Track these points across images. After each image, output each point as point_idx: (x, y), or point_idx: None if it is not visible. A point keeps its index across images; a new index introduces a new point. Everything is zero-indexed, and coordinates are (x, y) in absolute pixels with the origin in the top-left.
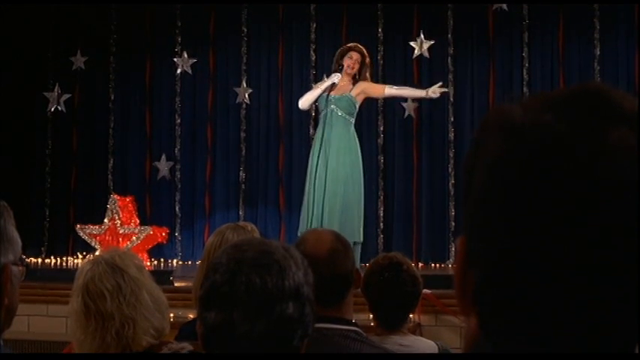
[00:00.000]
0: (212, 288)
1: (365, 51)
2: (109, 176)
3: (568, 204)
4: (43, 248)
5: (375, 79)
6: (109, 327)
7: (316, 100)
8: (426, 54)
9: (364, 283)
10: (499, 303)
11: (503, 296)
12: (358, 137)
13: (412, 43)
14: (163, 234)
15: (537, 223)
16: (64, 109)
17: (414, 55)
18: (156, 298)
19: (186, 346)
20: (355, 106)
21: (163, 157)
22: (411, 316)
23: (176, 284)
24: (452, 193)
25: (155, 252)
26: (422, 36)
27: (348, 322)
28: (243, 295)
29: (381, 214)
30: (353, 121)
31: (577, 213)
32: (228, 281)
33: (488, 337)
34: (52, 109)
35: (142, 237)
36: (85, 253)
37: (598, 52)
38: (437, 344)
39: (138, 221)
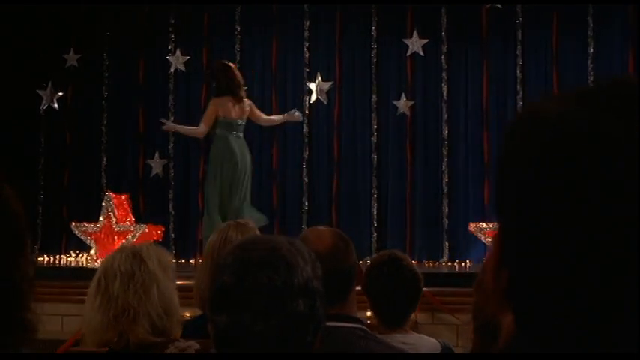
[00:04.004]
0: (220, 291)
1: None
2: (102, 174)
3: (606, 196)
4: (36, 246)
5: (370, 77)
6: (110, 307)
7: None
8: (420, 52)
9: (365, 280)
10: (534, 299)
11: (538, 293)
12: (352, 135)
13: (406, 41)
14: (159, 232)
15: (575, 218)
16: (57, 107)
17: (408, 53)
18: (167, 298)
19: (193, 345)
20: None
21: (157, 154)
22: None
23: None
24: (445, 190)
25: None
26: (416, 34)
27: (354, 320)
28: (252, 296)
29: (375, 212)
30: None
31: (615, 206)
32: (235, 283)
33: (525, 333)
34: (45, 107)
35: (137, 235)
36: (78, 251)
37: (592, 51)
38: (439, 342)
39: (133, 219)
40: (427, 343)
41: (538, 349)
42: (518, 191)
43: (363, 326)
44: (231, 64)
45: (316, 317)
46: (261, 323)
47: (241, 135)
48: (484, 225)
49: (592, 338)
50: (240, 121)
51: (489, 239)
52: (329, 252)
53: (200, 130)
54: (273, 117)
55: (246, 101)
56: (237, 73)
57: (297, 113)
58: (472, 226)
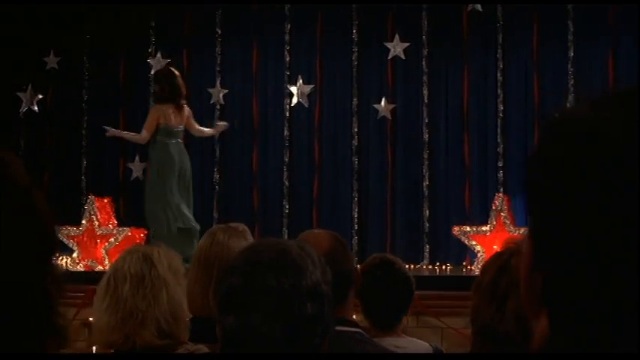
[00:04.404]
0: (229, 292)
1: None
2: (83, 177)
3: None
4: None
5: (350, 81)
6: (118, 310)
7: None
8: (402, 55)
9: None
10: (570, 302)
11: (575, 295)
12: (333, 138)
13: (387, 45)
14: (142, 235)
15: (611, 219)
16: (37, 110)
17: (390, 57)
18: (176, 303)
19: (202, 348)
20: None
21: (137, 158)
22: None
23: None
24: (426, 194)
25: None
26: (397, 37)
27: (352, 324)
28: (260, 298)
29: (356, 215)
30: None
31: None
32: (244, 284)
33: (560, 337)
34: (25, 110)
35: (120, 238)
36: (59, 255)
37: (572, 55)
38: (431, 345)
39: (116, 222)
40: (419, 346)
41: (575, 351)
42: (553, 193)
43: (360, 330)
44: (177, 72)
45: (324, 321)
46: (269, 325)
47: (180, 141)
48: (468, 228)
49: (630, 339)
50: (180, 128)
51: (473, 242)
52: (327, 255)
53: (142, 136)
54: (205, 130)
55: (186, 109)
56: (181, 81)
57: (222, 123)
58: (456, 230)
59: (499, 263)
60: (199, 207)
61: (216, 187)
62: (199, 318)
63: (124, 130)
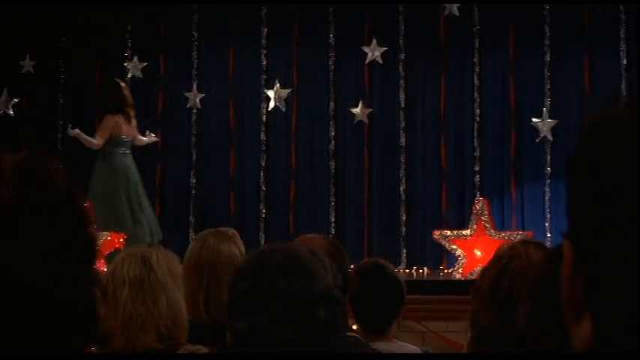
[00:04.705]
0: (239, 296)
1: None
2: None
3: None
4: None
5: (327, 85)
6: (117, 314)
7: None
8: (379, 60)
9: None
10: (613, 306)
11: (617, 299)
12: (309, 142)
13: (365, 49)
14: (121, 239)
15: None
16: (12, 114)
17: (367, 61)
18: (175, 306)
19: (201, 349)
20: None
21: None
22: None
23: None
24: (403, 198)
25: (113, 258)
26: (375, 41)
27: (348, 329)
28: (271, 301)
29: (333, 220)
30: None
31: None
32: (254, 288)
33: (603, 339)
34: (1, 114)
35: (99, 242)
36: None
37: (548, 59)
38: (422, 350)
39: (95, 227)
40: (410, 351)
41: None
42: (595, 197)
43: (356, 334)
44: (122, 84)
45: (336, 326)
46: (279, 329)
47: (129, 152)
48: (448, 232)
49: None
50: (129, 139)
51: (454, 247)
52: None
53: (96, 142)
54: (144, 138)
55: (133, 120)
56: (127, 92)
57: (152, 136)
58: (436, 234)
59: (498, 267)
60: (176, 211)
61: (193, 191)
62: (190, 322)
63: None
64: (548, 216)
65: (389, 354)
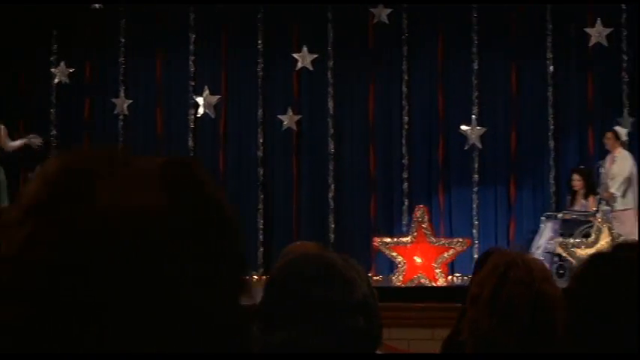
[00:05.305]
0: (273, 306)
1: None
2: None
3: None
4: None
5: (255, 92)
6: None
7: None
8: (310, 67)
9: None
10: None
11: None
12: (237, 149)
13: (296, 55)
14: None
15: None
16: None
17: (297, 68)
18: None
19: None
20: None
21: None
22: None
23: None
24: (332, 205)
25: None
26: (305, 48)
27: None
28: (311, 311)
29: (261, 227)
30: None
31: None
32: (291, 298)
33: None
34: None
35: None
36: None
37: (476, 67)
38: None
39: None
40: None
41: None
42: None
43: None
44: None
45: (373, 335)
46: (316, 338)
47: None
48: (388, 239)
49: None
50: None
51: (394, 253)
52: None
53: None
54: (15, 143)
55: (2, 127)
56: None
57: (34, 137)
58: (377, 241)
59: (497, 276)
60: None
61: None
62: None
63: (24, 139)
64: (476, 222)
65: (385, 354)
